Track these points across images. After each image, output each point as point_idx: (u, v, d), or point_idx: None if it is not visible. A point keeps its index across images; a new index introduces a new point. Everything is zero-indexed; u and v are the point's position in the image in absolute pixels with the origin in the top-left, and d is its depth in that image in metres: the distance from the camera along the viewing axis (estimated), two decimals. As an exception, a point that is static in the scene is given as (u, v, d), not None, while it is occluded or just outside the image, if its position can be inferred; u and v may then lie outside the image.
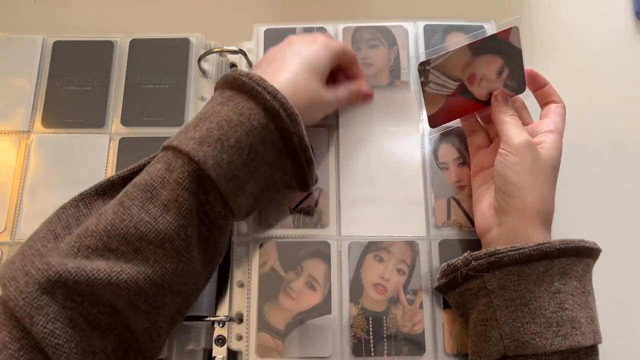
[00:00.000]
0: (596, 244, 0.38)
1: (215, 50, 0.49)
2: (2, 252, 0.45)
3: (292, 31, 0.51)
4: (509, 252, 0.36)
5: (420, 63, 0.42)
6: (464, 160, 0.46)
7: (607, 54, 0.53)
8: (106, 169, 0.47)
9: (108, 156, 0.47)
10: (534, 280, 0.36)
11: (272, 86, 0.35)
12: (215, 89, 0.39)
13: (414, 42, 0.50)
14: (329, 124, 0.47)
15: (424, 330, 0.41)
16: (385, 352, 0.41)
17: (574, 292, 0.36)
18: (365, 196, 0.45)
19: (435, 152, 0.47)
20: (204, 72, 0.50)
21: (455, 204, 0.45)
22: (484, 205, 0.42)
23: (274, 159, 0.37)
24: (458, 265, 0.39)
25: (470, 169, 0.46)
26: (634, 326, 0.45)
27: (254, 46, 0.50)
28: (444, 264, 0.40)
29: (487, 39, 0.42)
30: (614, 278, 0.44)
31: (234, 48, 0.49)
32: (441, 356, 0.41)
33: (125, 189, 0.35)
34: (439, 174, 0.46)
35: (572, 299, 0.36)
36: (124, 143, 0.48)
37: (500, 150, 0.40)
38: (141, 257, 0.33)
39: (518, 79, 0.43)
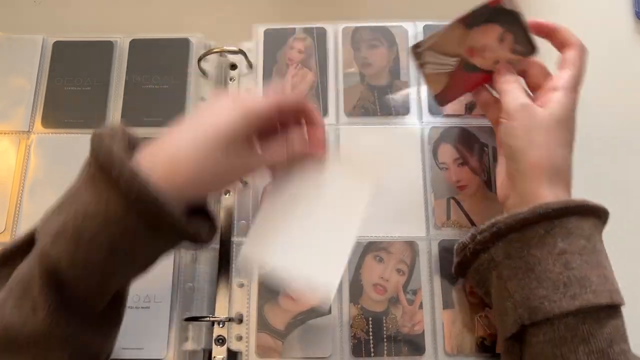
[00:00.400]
0: (601, 205, 0.37)
1: (215, 50, 0.49)
2: (2, 252, 0.45)
3: (292, 31, 0.51)
4: (507, 220, 0.36)
5: (412, 46, 0.42)
6: (464, 160, 0.46)
7: (607, 54, 0.53)
8: (106, 169, 0.47)
9: (108, 156, 0.47)
10: (535, 243, 0.35)
11: (130, 170, 0.30)
12: (90, 149, 0.32)
13: (413, 42, 0.50)
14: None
15: (423, 331, 0.41)
16: (385, 352, 0.41)
17: (582, 252, 0.35)
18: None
19: (435, 152, 0.47)
20: (204, 72, 0.50)
21: (455, 204, 0.45)
22: (501, 175, 0.41)
23: (150, 244, 0.33)
24: (466, 242, 0.38)
25: (470, 169, 0.46)
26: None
27: (253, 46, 0.50)
28: (457, 243, 0.40)
29: (478, 10, 0.41)
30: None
31: (234, 48, 0.49)
32: (441, 356, 0.41)
33: (9, 280, 0.32)
34: (439, 174, 0.46)
35: (579, 258, 0.34)
36: (124, 143, 0.48)
37: (500, 119, 0.40)
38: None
39: (524, 40, 0.42)
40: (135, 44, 0.51)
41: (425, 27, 0.50)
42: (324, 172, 0.39)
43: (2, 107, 0.49)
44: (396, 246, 0.44)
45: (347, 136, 0.47)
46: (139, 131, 0.47)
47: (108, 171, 0.30)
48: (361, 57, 0.49)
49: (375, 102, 0.48)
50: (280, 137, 0.38)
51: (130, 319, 0.37)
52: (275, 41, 0.50)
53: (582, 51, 0.41)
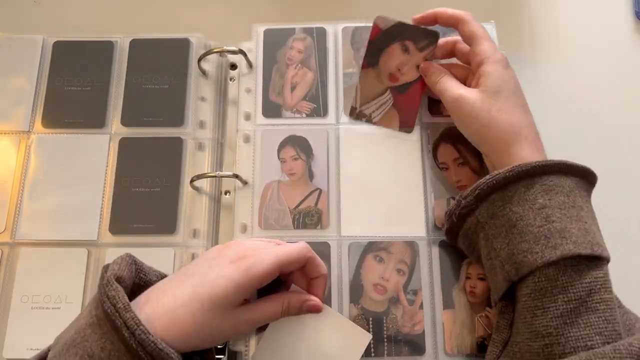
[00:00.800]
0: (584, 166, 0.38)
1: (215, 50, 0.49)
2: (2, 252, 0.45)
3: (292, 31, 0.51)
4: (488, 181, 0.37)
5: (349, 114, 0.46)
6: (464, 160, 0.46)
7: (607, 54, 0.53)
8: (106, 169, 0.47)
9: (108, 156, 0.47)
10: (517, 201, 0.37)
11: (133, 319, 0.32)
12: (98, 297, 0.34)
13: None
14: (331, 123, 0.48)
15: (424, 331, 0.41)
16: (386, 352, 0.41)
17: (562, 206, 0.36)
18: (365, 197, 0.45)
19: (434, 153, 0.47)
20: (204, 72, 0.50)
21: (455, 204, 0.45)
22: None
23: None
24: (453, 208, 0.40)
25: (470, 169, 0.46)
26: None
27: (253, 46, 0.50)
28: (445, 210, 0.42)
29: (368, 50, 0.46)
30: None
31: (234, 48, 0.49)
32: (441, 356, 0.41)
33: None
34: (439, 174, 0.46)
35: (559, 212, 0.36)
36: (124, 143, 0.48)
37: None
38: None
39: (422, 34, 0.45)
40: (135, 44, 0.51)
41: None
42: (321, 320, 0.40)
43: (2, 107, 0.49)
44: (396, 246, 0.44)
45: (347, 136, 0.47)
46: (139, 131, 0.48)
47: (112, 320, 0.32)
48: (360, 57, 0.49)
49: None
50: (278, 295, 0.40)
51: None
52: (275, 41, 0.50)
53: (473, 19, 0.44)
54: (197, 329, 0.35)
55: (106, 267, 0.36)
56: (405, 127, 0.46)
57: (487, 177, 0.38)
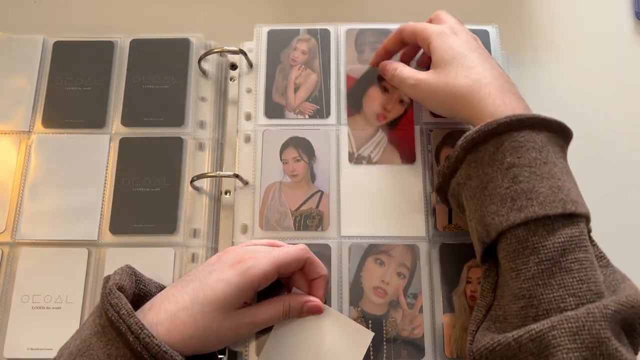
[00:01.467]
0: (559, 120, 0.36)
1: (215, 50, 0.49)
2: (2, 252, 0.45)
3: (296, 32, 0.50)
4: (462, 143, 0.37)
5: (349, 161, 0.46)
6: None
7: (607, 54, 0.53)
8: (106, 169, 0.47)
9: (108, 156, 0.47)
10: (487, 161, 0.36)
11: (137, 324, 0.33)
12: (101, 306, 0.35)
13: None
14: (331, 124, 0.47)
15: (423, 334, 0.41)
16: (385, 355, 0.41)
17: (532, 164, 0.35)
18: (366, 199, 0.45)
19: (437, 156, 0.47)
20: (204, 73, 0.50)
21: (456, 207, 0.45)
22: None
23: None
24: (442, 167, 0.40)
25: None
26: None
27: (254, 46, 0.50)
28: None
29: (348, 99, 0.48)
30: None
31: (234, 48, 0.49)
32: None
33: None
34: (440, 177, 0.46)
35: (528, 170, 0.35)
36: (125, 143, 0.48)
37: None
38: None
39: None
40: (135, 44, 0.51)
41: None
42: (323, 320, 0.41)
43: (2, 107, 0.49)
44: (397, 250, 0.44)
45: (347, 136, 0.47)
46: (140, 131, 0.48)
47: (117, 327, 0.33)
48: (364, 59, 0.49)
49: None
50: (279, 297, 0.40)
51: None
52: (278, 41, 0.50)
53: (413, 23, 0.45)
54: (199, 331, 0.35)
55: (107, 278, 0.36)
56: (407, 161, 0.46)
57: (461, 139, 0.37)
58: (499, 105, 0.37)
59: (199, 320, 0.35)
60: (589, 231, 0.36)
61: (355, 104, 0.48)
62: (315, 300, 0.40)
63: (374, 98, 0.48)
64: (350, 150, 0.46)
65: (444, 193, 0.41)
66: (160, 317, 0.35)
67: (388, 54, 0.48)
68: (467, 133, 0.37)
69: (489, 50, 0.48)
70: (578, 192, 0.36)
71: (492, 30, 0.50)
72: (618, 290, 0.33)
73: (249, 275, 0.37)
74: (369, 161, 0.46)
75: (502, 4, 0.55)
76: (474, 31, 0.50)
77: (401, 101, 0.48)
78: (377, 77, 0.48)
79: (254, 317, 0.38)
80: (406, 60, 0.48)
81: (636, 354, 0.32)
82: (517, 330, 0.32)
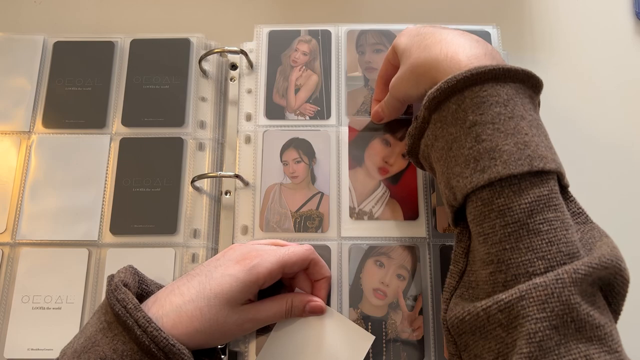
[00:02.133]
0: (525, 69, 0.34)
1: (216, 50, 0.49)
2: (2, 252, 0.45)
3: (297, 33, 0.50)
4: (425, 102, 0.35)
5: (350, 217, 0.44)
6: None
7: (607, 54, 0.53)
8: (107, 170, 0.47)
9: (109, 156, 0.47)
10: (450, 120, 0.34)
11: (144, 317, 0.33)
12: (107, 303, 0.35)
13: None
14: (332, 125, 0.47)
15: (423, 336, 0.41)
16: (384, 357, 0.41)
17: (495, 120, 0.32)
18: (366, 200, 0.45)
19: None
20: (204, 73, 0.50)
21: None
22: None
23: None
24: (411, 130, 0.38)
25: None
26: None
27: (255, 46, 0.50)
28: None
29: (350, 151, 0.46)
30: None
31: (235, 48, 0.49)
32: (440, 361, 0.41)
33: None
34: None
35: (491, 127, 0.32)
36: (125, 143, 0.48)
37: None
38: None
39: (398, 125, 0.46)
40: (135, 44, 0.51)
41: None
42: (324, 321, 0.41)
43: (2, 107, 0.49)
44: (397, 251, 0.44)
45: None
46: (140, 131, 0.48)
47: (123, 321, 0.33)
48: (365, 61, 0.49)
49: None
50: (282, 295, 0.40)
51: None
52: (279, 42, 0.50)
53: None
54: (205, 324, 0.35)
55: (112, 276, 0.36)
56: (410, 218, 0.45)
57: (426, 97, 0.35)
58: (452, 56, 0.35)
59: (205, 314, 0.35)
60: (566, 186, 0.34)
61: (356, 157, 0.46)
62: (317, 301, 0.41)
63: (377, 151, 0.46)
64: (352, 205, 0.45)
65: (415, 155, 0.40)
66: (166, 310, 0.35)
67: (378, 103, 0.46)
68: (430, 91, 0.35)
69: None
70: (548, 145, 0.33)
71: (492, 31, 0.49)
72: (594, 249, 0.31)
73: (254, 272, 0.37)
74: (371, 217, 0.45)
75: (503, 4, 0.55)
76: (474, 32, 0.50)
77: (404, 155, 0.46)
78: (379, 129, 0.47)
79: (257, 313, 0.38)
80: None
81: (618, 313, 0.31)
82: (486, 300, 0.31)
